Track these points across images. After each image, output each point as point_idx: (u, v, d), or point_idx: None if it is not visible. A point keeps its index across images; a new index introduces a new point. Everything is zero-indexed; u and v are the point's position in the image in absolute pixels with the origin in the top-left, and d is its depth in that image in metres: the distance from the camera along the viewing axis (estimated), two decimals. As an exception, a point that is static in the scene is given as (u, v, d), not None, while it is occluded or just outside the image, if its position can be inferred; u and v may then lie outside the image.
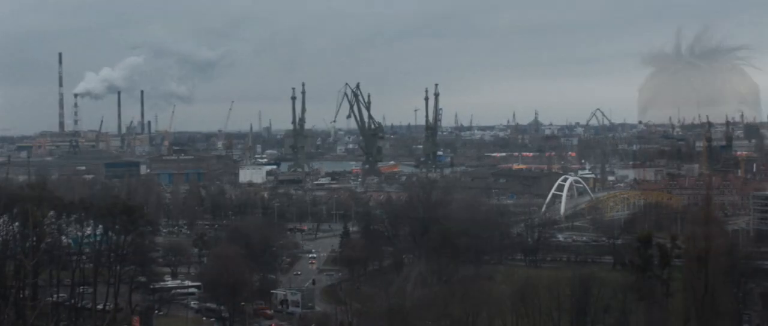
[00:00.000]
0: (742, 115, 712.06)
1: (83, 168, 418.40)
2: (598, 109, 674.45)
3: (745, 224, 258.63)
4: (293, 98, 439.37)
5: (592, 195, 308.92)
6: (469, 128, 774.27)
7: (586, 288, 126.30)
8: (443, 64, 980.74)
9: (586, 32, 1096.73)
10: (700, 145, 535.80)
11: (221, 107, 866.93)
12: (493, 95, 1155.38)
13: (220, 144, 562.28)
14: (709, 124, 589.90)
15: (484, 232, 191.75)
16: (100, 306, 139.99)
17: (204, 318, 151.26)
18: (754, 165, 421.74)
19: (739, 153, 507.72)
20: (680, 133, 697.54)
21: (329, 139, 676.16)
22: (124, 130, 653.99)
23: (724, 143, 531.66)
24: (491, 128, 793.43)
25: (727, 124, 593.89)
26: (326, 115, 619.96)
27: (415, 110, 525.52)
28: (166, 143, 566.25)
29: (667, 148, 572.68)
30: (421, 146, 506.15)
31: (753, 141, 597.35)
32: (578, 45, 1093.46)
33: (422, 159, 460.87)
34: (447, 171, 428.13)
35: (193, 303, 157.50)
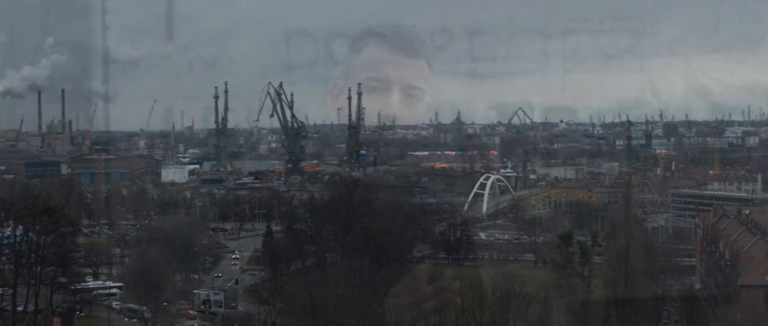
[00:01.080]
0: (661, 114, 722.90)
1: (3, 167, 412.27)
2: (520, 108, 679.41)
3: (665, 221, 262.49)
4: (216, 97, 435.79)
5: (513, 193, 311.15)
6: (392, 127, 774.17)
7: (507, 285, 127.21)
8: (365, 63, 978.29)
9: (508, 31, 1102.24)
10: (620, 143, 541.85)
11: (143, 106, 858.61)
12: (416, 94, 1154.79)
13: (142, 143, 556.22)
14: (629, 123, 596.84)
15: (406, 231, 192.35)
16: (20, 308, 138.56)
17: (126, 319, 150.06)
18: (673, 163, 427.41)
19: (658, 151, 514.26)
20: (600, 132, 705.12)
21: (252, 138, 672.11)
22: (44, 129, 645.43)
23: (643, 142, 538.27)
24: (414, 127, 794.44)
25: (647, 122, 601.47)
26: (249, 114, 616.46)
27: (339, 109, 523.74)
28: (87, 142, 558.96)
29: (587, 146, 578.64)
30: (344, 145, 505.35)
31: (672, 139, 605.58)
32: (500, 43, 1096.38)
33: (345, 158, 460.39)
34: (370, 170, 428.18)
35: (115, 304, 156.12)
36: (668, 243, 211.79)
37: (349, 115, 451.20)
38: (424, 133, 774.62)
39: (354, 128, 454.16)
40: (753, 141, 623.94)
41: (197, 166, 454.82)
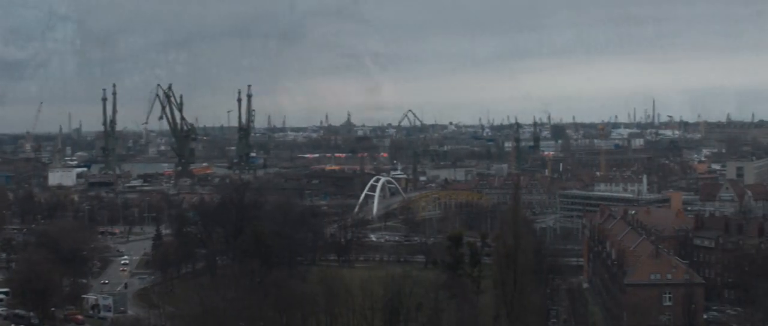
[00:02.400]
0: (549, 116, 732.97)
1: None
2: (410, 111, 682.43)
3: (553, 222, 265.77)
4: (104, 99, 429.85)
5: (404, 195, 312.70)
6: (282, 129, 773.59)
7: (398, 287, 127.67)
8: (257, 65, 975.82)
9: (398, 33, 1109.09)
10: (509, 145, 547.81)
11: (29, 109, 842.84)
12: (307, 97, 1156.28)
13: (28, 146, 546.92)
14: (518, 125, 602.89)
15: (297, 233, 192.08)
16: None
17: (13, 325, 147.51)
18: (561, 164, 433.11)
19: (546, 153, 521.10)
20: (490, 134, 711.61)
21: (141, 140, 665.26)
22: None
23: (532, 143, 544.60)
24: (304, 129, 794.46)
25: (535, 124, 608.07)
26: (138, 117, 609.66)
27: (228, 112, 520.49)
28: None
29: (477, 148, 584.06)
30: (234, 148, 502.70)
31: (560, 141, 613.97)
32: (389, 45, 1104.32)
33: (235, 160, 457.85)
34: (260, 172, 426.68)
35: (1, 310, 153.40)
36: (557, 244, 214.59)
37: (239, 118, 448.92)
38: (314, 135, 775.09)
39: (244, 130, 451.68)
40: (638, 142, 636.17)
41: (85, 169, 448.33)
